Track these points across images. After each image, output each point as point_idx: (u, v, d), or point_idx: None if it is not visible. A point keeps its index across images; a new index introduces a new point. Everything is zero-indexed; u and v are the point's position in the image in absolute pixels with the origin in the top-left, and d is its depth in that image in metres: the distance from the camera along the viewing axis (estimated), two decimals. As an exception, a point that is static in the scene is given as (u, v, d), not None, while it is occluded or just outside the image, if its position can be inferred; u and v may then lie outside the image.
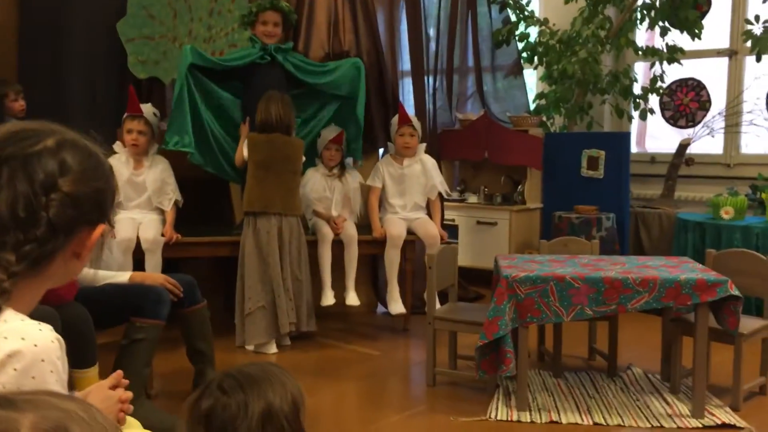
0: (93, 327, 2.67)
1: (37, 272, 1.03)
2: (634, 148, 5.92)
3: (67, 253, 1.06)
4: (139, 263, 3.88)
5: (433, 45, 5.40)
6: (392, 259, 4.34)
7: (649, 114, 5.62)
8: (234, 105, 4.39)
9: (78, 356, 2.64)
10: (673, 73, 5.58)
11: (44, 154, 1.01)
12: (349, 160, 4.51)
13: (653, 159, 5.82)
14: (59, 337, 1.07)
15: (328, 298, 4.25)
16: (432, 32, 5.41)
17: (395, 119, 4.49)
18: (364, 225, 4.52)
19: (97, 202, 1.07)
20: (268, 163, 4.00)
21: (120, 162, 4.02)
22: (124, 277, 2.97)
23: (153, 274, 3.26)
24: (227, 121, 4.37)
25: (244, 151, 4.07)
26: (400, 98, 5.03)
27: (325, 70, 4.42)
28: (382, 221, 4.46)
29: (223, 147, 4.33)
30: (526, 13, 5.78)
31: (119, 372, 1.45)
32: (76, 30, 4.99)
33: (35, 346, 1.03)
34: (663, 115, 5.71)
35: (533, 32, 5.86)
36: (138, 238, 3.91)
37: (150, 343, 2.83)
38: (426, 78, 5.25)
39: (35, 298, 1.07)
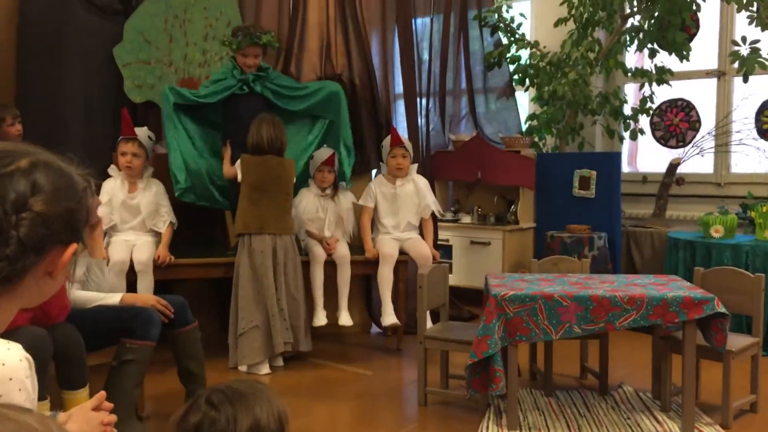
0: (84, 348, 2.69)
1: (7, 291, 1.04)
2: (625, 168, 5.97)
3: (38, 272, 1.06)
4: (132, 285, 3.91)
5: (425, 68, 5.47)
6: (384, 277, 4.37)
7: (639, 134, 5.67)
8: (217, 135, 4.46)
9: (68, 377, 2.66)
10: (662, 93, 5.65)
11: (16, 174, 1.02)
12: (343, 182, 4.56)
13: (645, 179, 5.87)
14: (28, 356, 1.07)
15: (320, 319, 4.27)
16: (425, 55, 5.49)
17: (387, 141, 4.55)
18: (357, 245, 4.55)
19: (69, 222, 1.08)
20: (262, 184, 4.05)
21: (115, 185, 4.07)
22: (115, 298, 2.99)
23: (144, 295, 3.28)
24: (213, 151, 4.43)
25: (238, 172, 4.11)
26: (393, 120, 5.09)
27: (304, 94, 4.49)
28: (374, 241, 4.50)
29: (212, 177, 4.39)
30: (516, 36, 5.87)
31: (102, 393, 1.46)
32: (73, 55, 5.06)
33: (3, 365, 1.03)
34: (653, 135, 5.77)
35: (524, 55, 5.94)
36: (132, 260, 3.95)
37: (140, 365, 2.85)
38: (419, 100, 5.31)
39: (7, 318, 1.09)
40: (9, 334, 2.44)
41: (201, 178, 4.36)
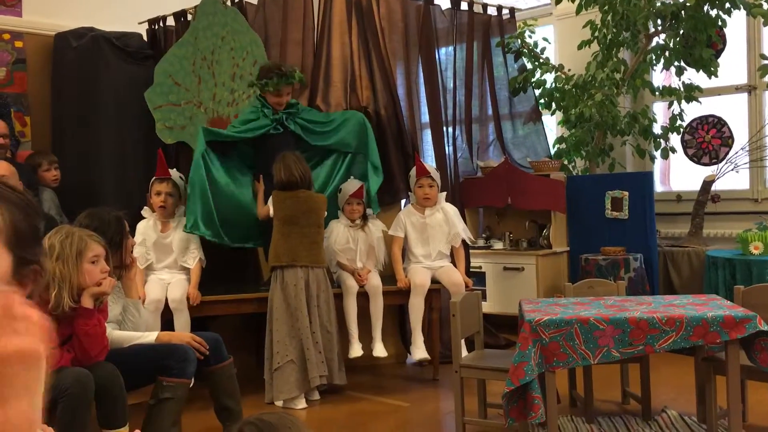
0: (124, 387, 2.71)
1: None
2: (658, 187, 5.89)
3: None
4: (168, 324, 3.95)
5: (451, 96, 5.50)
6: (416, 308, 4.35)
7: (671, 153, 5.60)
8: (248, 173, 4.50)
9: (109, 416, 2.68)
10: (692, 111, 5.58)
11: None
12: (369, 210, 4.57)
13: (679, 197, 5.78)
14: None
15: (356, 350, 4.25)
16: (449, 84, 5.51)
17: (413, 171, 4.56)
18: (389, 275, 4.54)
19: None
20: (294, 218, 4.09)
21: (148, 226, 4.16)
22: (151, 337, 3.02)
23: (179, 333, 3.31)
24: (244, 190, 4.47)
25: (270, 209, 4.16)
26: (421, 149, 5.10)
27: (330, 129, 4.53)
28: (406, 271, 4.49)
29: (245, 217, 4.41)
30: (541, 60, 5.87)
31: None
32: (106, 100, 5.21)
33: None
34: (686, 153, 5.69)
35: (549, 78, 5.94)
36: (167, 298, 4.00)
37: (177, 402, 2.86)
38: (445, 128, 5.33)
39: None
40: (52, 375, 2.49)
41: (233, 217, 4.39)
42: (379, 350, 4.30)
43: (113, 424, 2.69)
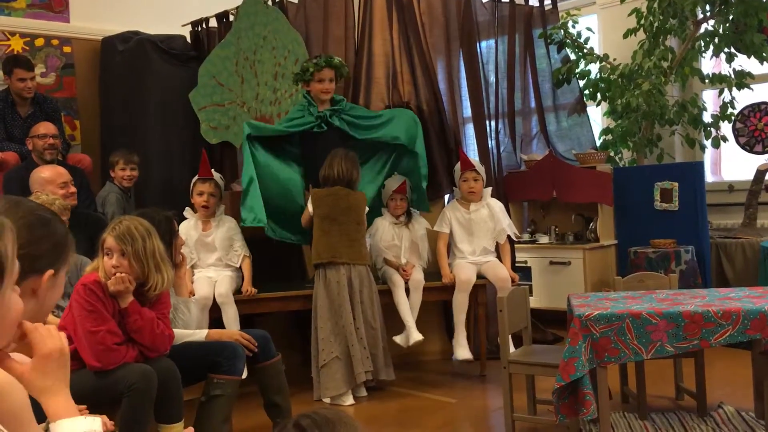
0: (181, 383, 2.74)
1: None
2: (709, 177, 5.74)
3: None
4: (216, 321, 4.00)
5: (493, 90, 5.44)
6: (459, 304, 4.31)
7: (722, 141, 5.45)
8: (296, 168, 4.52)
9: (166, 411, 2.72)
10: (744, 98, 5.42)
11: None
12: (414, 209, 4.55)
13: (731, 187, 5.62)
14: None
15: (414, 336, 4.17)
16: (491, 77, 5.45)
17: (458, 166, 4.52)
18: (433, 271, 4.52)
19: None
20: (332, 215, 4.09)
21: (189, 225, 4.22)
22: (201, 335, 3.07)
23: (229, 330, 3.35)
24: (292, 183, 4.49)
25: (309, 207, 4.17)
26: (463, 143, 5.06)
27: (378, 123, 4.51)
28: (451, 266, 4.46)
29: (292, 214, 4.43)
30: (585, 50, 5.76)
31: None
32: (152, 102, 5.30)
33: None
34: (737, 142, 5.53)
35: (594, 69, 5.83)
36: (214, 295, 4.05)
37: (228, 399, 2.89)
38: (488, 122, 5.27)
39: None
40: (118, 370, 2.53)
41: (280, 213, 4.41)
42: (415, 335, 4.21)
43: (170, 419, 2.73)
